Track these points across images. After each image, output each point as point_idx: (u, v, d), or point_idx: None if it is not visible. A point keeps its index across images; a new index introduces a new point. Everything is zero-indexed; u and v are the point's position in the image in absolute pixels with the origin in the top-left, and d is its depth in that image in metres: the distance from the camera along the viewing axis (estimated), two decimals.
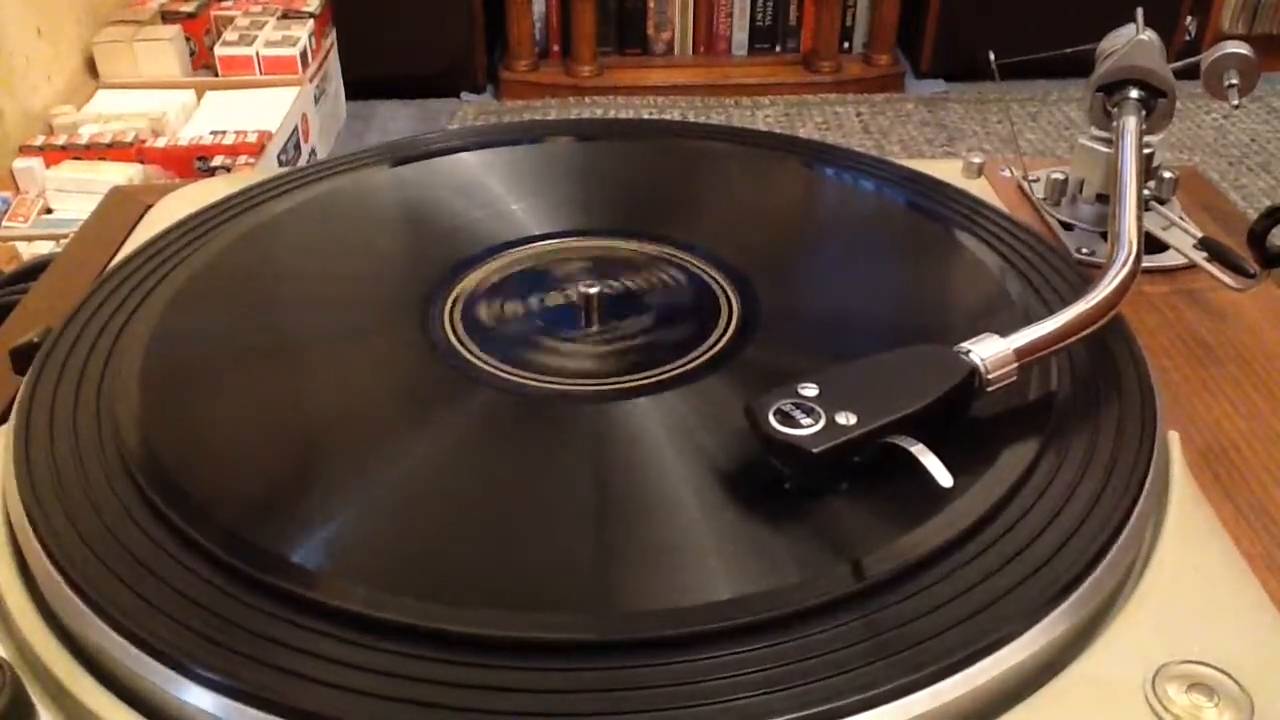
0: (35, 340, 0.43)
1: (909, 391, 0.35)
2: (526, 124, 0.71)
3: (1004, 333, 0.37)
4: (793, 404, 0.34)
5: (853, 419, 0.34)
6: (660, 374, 0.41)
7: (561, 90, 2.21)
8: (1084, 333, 0.39)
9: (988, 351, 0.37)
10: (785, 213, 0.56)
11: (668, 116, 2.13)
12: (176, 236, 0.50)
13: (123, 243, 0.55)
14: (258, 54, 1.81)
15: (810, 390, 0.35)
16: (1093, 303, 0.39)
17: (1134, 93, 0.55)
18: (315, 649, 0.30)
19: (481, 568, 0.33)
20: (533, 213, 0.53)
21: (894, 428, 0.34)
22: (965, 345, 0.37)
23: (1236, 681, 0.30)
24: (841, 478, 0.35)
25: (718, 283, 0.47)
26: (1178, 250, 0.55)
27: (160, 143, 1.57)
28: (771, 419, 0.34)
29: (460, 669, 0.29)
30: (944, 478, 0.32)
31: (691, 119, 2.09)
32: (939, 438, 0.34)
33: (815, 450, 0.33)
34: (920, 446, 0.33)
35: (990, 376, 0.36)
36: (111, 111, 1.67)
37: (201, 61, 1.87)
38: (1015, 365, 0.37)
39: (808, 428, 0.34)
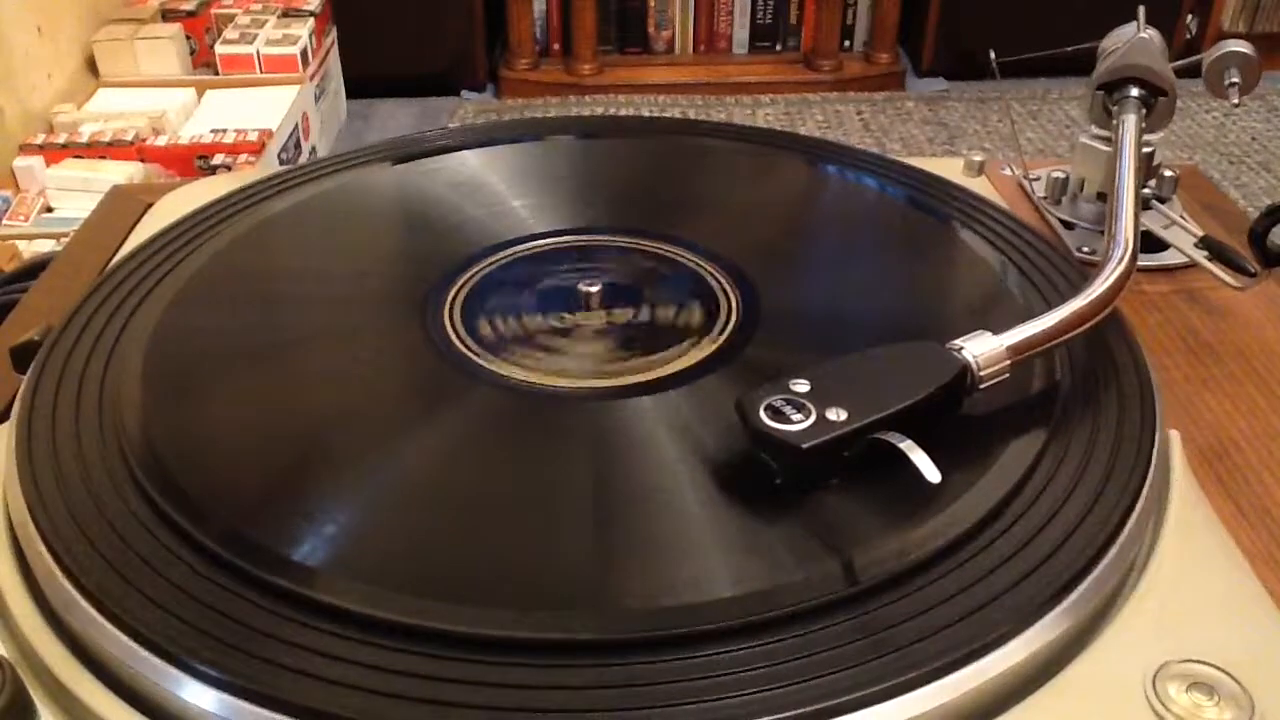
0: (36, 339, 0.43)
1: (900, 388, 0.35)
2: (527, 122, 0.72)
3: (1000, 330, 0.37)
4: (783, 399, 0.34)
5: (843, 415, 0.34)
6: (660, 372, 0.41)
7: (562, 89, 2.21)
8: (1078, 330, 0.39)
9: (980, 349, 0.37)
10: (786, 210, 0.56)
11: (668, 115, 2.13)
12: (177, 235, 0.50)
13: (123, 241, 0.55)
14: (258, 52, 1.81)
15: (801, 386, 0.35)
16: (1087, 300, 0.39)
17: (1134, 91, 0.55)
18: (316, 646, 0.30)
19: (481, 566, 0.33)
20: (533, 211, 0.53)
21: (884, 424, 0.34)
22: (957, 342, 0.37)
23: (1237, 680, 0.30)
24: (832, 473, 0.35)
25: (718, 280, 0.47)
26: (1178, 249, 0.55)
27: (161, 141, 1.57)
28: (762, 414, 0.34)
29: (459, 666, 0.29)
30: (932, 474, 0.32)
31: (692, 118, 2.09)
32: (930, 434, 0.34)
33: (804, 446, 0.33)
34: (909, 443, 0.33)
35: (982, 374, 0.36)
36: (112, 110, 1.67)
37: (202, 60, 1.87)
38: (1007, 363, 0.37)
39: (798, 423, 0.34)
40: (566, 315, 0.45)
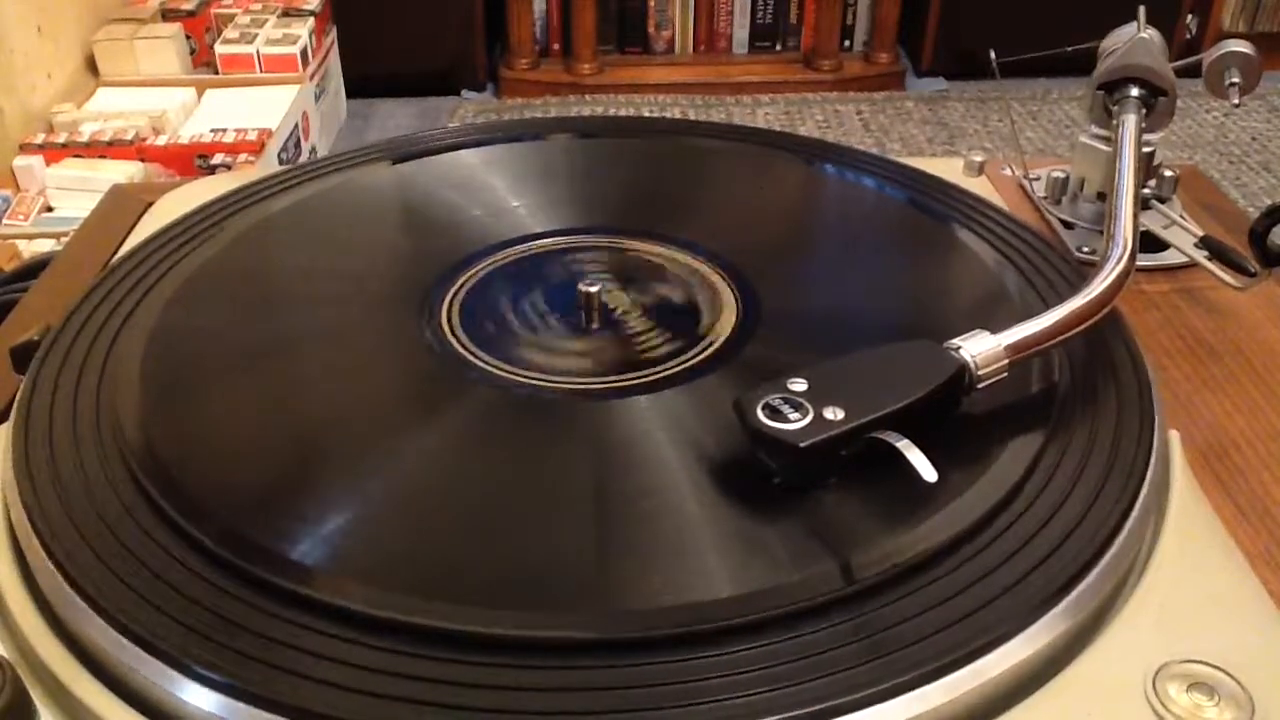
0: (35, 338, 0.43)
1: (898, 387, 0.35)
2: (526, 122, 0.72)
3: (998, 330, 0.37)
4: (781, 399, 0.34)
5: (840, 414, 0.34)
6: (660, 372, 0.41)
7: (562, 88, 2.21)
8: (1077, 329, 0.39)
9: (978, 348, 0.37)
10: (786, 211, 0.56)
11: (668, 115, 2.13)
12: (177, 234, 0.50)
13: (123, 241, 0.55)
14: (258, 52, 1.81)
15: (799, 385, 0.35)
16: (1086, 299, 0.39)
17: (1134, 91, 0.55)
18: (315, 647, 0.30)
19: (480, 566, 0.33)
20: (532, 211, 0.53)
21: (881, 423, 0.34)
22: (955, 341, 0.37)
23: (1237, 680, 0.30)
24: (829, 473, 0.35)
25: (718, 280, 0.47)
26: (1178, 249, 0.55)
27: (161, 141, 1.57)
28: (759, 413, 0.34)
29: (458, 667, 0.29)
30: (928, 473, 0.32)
31: (692, 118, 2.09)
32: (928, 433, 0.34)
33: (802, 445, 0.33)
34: (906, 442, 0.33)
35: (980, 373, 0.36)
36: (112, 109, 1.67)
37: (202, 59, 1.87)
38: (1006, 362, 0.37)
39: (795, 422, 0.34)
40: (566, 315, 0.45)
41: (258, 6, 1.93)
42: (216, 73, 1.82)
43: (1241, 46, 0.56)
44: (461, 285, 0.46)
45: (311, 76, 1.85)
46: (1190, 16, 2.19)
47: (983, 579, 0.32)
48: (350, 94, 2.10)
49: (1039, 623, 0.31)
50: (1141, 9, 0.56)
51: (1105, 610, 0.33)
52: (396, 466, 0.37)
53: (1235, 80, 0.56)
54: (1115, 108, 0.55)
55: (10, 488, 0.36)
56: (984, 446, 0.36)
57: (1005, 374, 0.37)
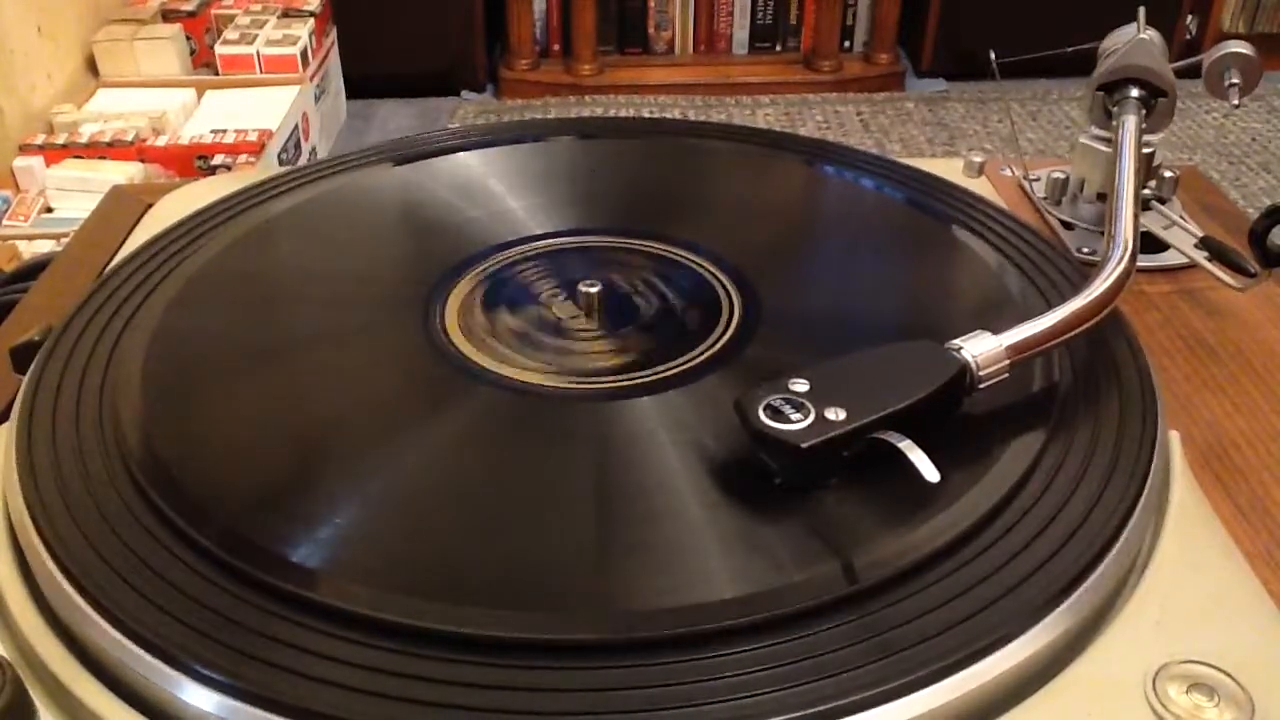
0: (36, 339, 0.43)
1: (899, 388, 0.35)
2: (527, 123, 0.72)
3: (999, 331, 0.37)
4: (782, 399, 0.34)
5: (842, 414, 0.34)
6: (661, 373, 0.41)
7: (562, 89, 2.21)
8: (1078, 330, 0.39)
9: (979, 349, 0.37)
10: (786, 211, 0.56)
11: (668, 116, 2.13)
12: (178, 235, 0.50)
13: (123, 242, 0.55)
14: (258, 53, 1.81)
15: (800, 385, 0.35)
16: (1087, 300, 0.39)
17: (1134, 92, 0.55)
18: (316, 648, 0.30)
19: (482, 567, 0.33)
20: (533, 212, 0.53)
21: (883, 424, 0.34)
22: (956, 342, 0.37)
23: (1237, 681, 0.30)
24: (831, 473, 0.35)
25: (719, 281, 0.47)
26: (1178, 249, 0.55)
27: (161, 141, 1.57)
28: (761, 414, 0.34)
29: (460, 668, 0.29)
30: (930, 474, 0.32)
31: (692, 118, 2.09)
32: (929, 434, 0.34)
33: (804, 445, 0.33)
34: (908, 443, 0.33)
35: (981, 374, 0.36)
36: (112, 110, 1.67)
37: (202, 60, 1.87)
38: (1007, 363, 0.37)
39: (797, 423, 0.34)
40: (566, 316, 0.45)
41: (258, 7, 1.93)
42: (216, 73, 1.82)
43: (1241, 47, 0.56)
44: (463, 287, 0.46)
45: (311, 77, 1.85)
46: (1190, 17, 2.19)
47: (985, 579, 0.32)
48: (350, 95, 2.10)
49: (1041, 623, 0.31)
50: (1141, 10, 0.56)
51: (1105, 611, 0.33)
52: (398, 467, 0.37)
53: (1235, 81, 0.56)
54: (1115, 108, 0.55)
55: (11, 487, 0.36)
56: (986, 447, 0.36)
57: (1006, 374, 0.37)
